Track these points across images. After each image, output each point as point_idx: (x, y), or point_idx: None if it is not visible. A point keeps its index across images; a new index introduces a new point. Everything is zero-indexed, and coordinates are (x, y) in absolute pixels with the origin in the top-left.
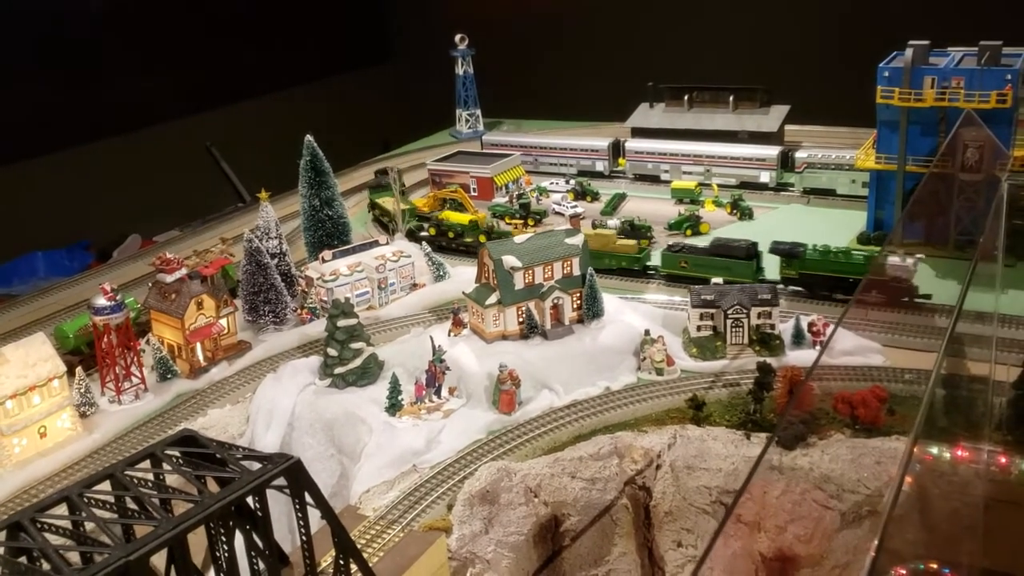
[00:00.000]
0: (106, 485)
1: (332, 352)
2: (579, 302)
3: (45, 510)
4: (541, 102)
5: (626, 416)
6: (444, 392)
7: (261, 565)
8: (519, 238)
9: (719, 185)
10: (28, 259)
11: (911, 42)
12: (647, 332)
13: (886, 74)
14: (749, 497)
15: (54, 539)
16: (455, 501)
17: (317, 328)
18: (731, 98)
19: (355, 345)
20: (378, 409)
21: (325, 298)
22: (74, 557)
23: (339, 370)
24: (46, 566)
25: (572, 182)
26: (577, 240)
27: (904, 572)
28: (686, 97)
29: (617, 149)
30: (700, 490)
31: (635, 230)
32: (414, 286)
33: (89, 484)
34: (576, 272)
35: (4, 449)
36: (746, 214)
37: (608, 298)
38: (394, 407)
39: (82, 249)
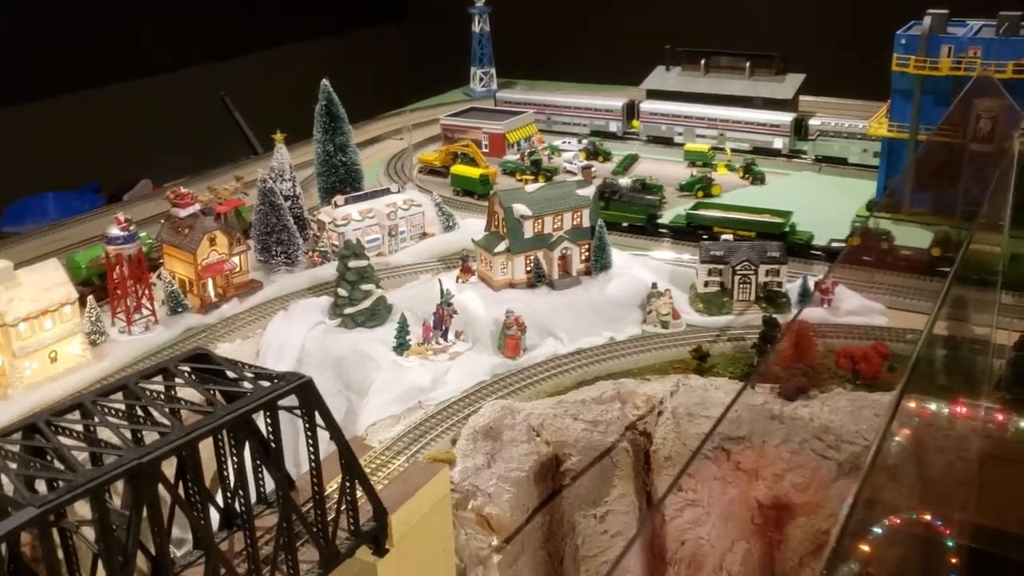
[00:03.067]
0: (120, 396)
1: (342, 292)
2: (587, 254)
3: (60, 414)
4: (555, 63)
5: (630, 365)
6: (451, 335)
7: (268, 486)
8: (530, 187)
9: (732, 149)
10: (39, 199)
11: (929, 11)
12: (654, 285)
13: (903, 41)
14: (749, 445)
15: (68, 443)
16: (459, 436)
17: (328, 271)
18: (747, 64)
19: (365, 286)
20: (386, 349)
21: (336, 242)
22: (85, 465)
23: (349, 310)
24: (59, 466)
25: (584, 141)
26: (588, 192)
27: (899, 521)
28: (702, 62)
29: (631, 110)
30: (700, 437)
31: (647, 189)
32: (424, 235)
33: (103, 393)
34: (586, 224)
35: (15, 371)
36: (758, 179)
37: (616, 252)
38: (402, 347)
39: (92, 192)
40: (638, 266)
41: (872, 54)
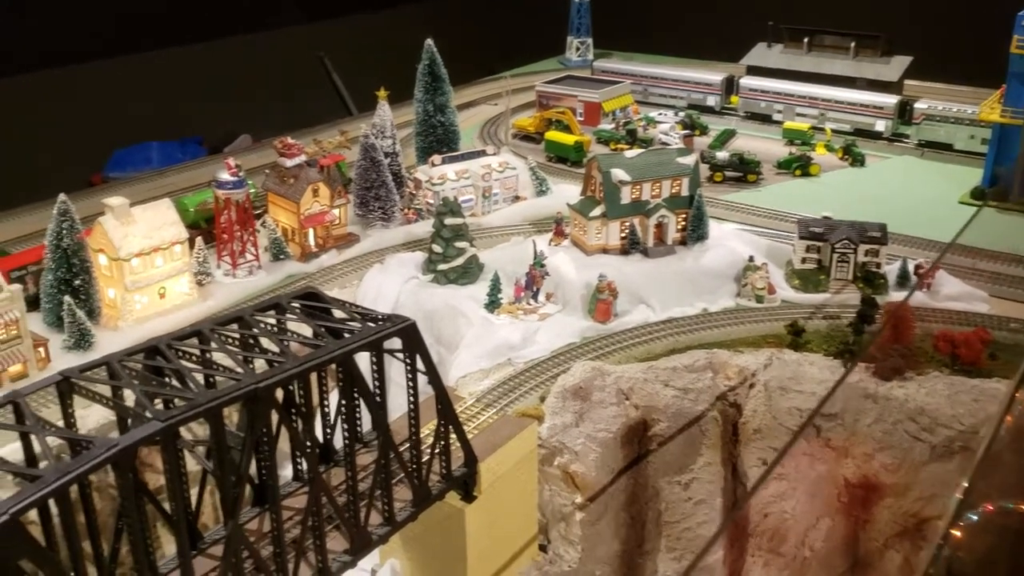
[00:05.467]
0: (235, 327)
1: (437, 249)
2: (684, 223)
3: (180, 339)
4: (652, 37)
5: (722, 336)
6: (541, 297)
7: (363, 426)
8: (630, 153)
9: (832, 130)
10: (143, 148)
11: None
12: (751, 259)
13: None
14: (840, 422)
15: (186, 366)
16: (548, 394)
17: (421, 228)
18: (852, 44)
19: (459, 244)
20: (477, 305)
21: (431, 200)
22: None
23: (442, 267)
24: (177, 385)
25: (681, 114)
26: (689, 160)
27: (992, 509)
28: (806, 40)
29: (731, 85)
30: (792, 411)
31: (744, 164)
32: (516, 198)
33: (220, 322)
34: (685, 192)
35: (126, 304)
36: (858, 160)
37: (714, 223)
38: (493, 304)
39: (195, 143)
40: (735, 238)
41: (985, 38)
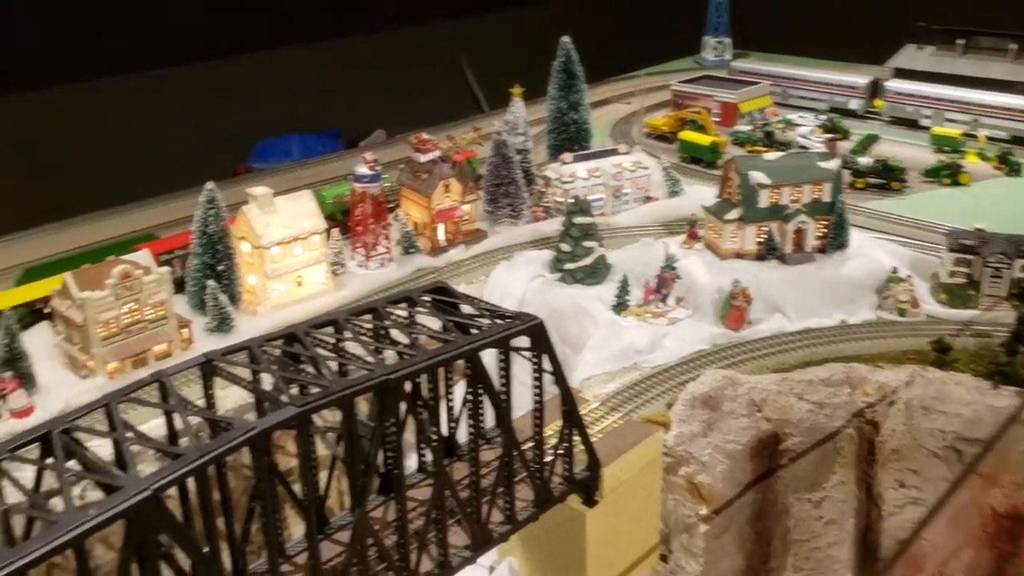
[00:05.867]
0: (368, 318)
1: (565, 248)
2: (824, 230)
3: (317, 327)
4: (792, 37)
5: (861, 350)
6: (671, 300)
7: (486, 422)
8: (770, 156)
9: (987, 137)
10: (284, 140)
11: None
12: (894, 270)
13: None
14: (990, 450)
15: (321, 353)
16: (675, 401)
17: (549, 226)
18: (1013, 47)
19: (588, 243)
20: (603, 306)
21: (560, 199)
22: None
23: (569, 266)
24: (312, 371)
25: (822, 117)
26: (832, 165)
27: None
28: (960, 42)
29: (875, 89)
30: (934, 433)
31: (888, 171)
32: (647, 198)
33: (354, 313)
34: (826, 198)
35: (265, 290)
36: (1014, 170)
37: (855, 231)
38: (621, 306)
39: (333, 137)
40: (877, 248)
41: None
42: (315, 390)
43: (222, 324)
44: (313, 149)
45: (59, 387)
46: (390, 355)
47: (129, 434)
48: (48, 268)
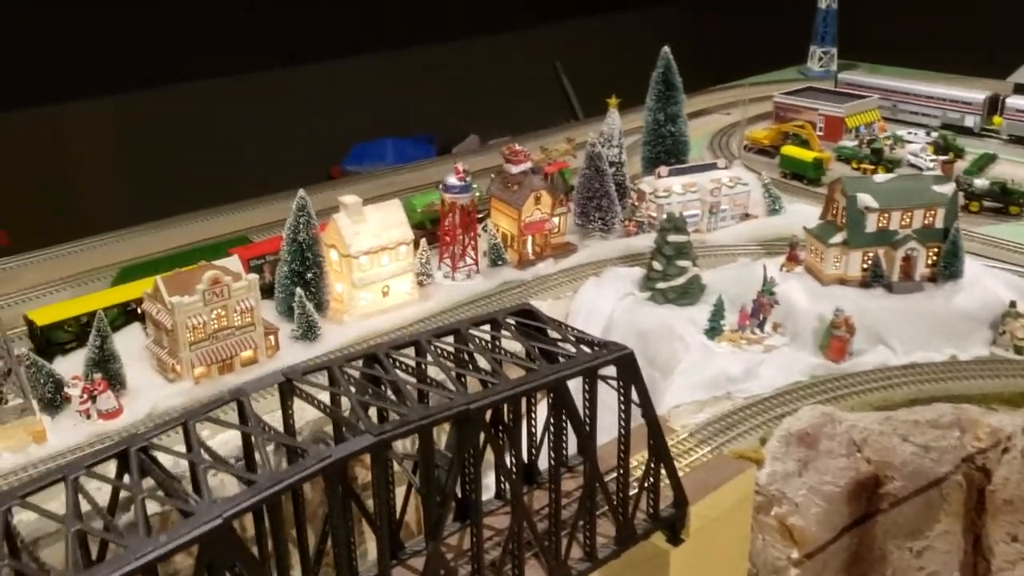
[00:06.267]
0: (451, 339)
1: (657, 266)
2: (936, 258)
3: (398, 348)
4: (904, 48)
5: (972, 389)
6: (768, 326)
7: (568, 448)
8: (879, 177)
9: None
10: (379, 144)
11: None
12: (1012, 304)
13: None
14: None
15: (401, 376)
16: (770, 436)
17: (641, 242)
18: None
19: (681, 263)
20: (696, 330)
21: (654, 213)
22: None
23: (661, 285)
24: (392, 396)
25: (934, 134)
26: (946, 189)
27: None
28: None
29: (994, 105)
30: None
31: (1006, 194)
32: (746, 216)
33: (437, 334)
34: (939, 224)
35: (352, 300)
36: None
37: (970, 259)
38: (714, 331)
39: (427, 142)
40: (994, 278)
41: None
42: (394, 416)
43: (308, 332)
44: (407, 153)
45: (147, 390)
46: (472, 381)
47: (205, 455)
48: (143, 268)
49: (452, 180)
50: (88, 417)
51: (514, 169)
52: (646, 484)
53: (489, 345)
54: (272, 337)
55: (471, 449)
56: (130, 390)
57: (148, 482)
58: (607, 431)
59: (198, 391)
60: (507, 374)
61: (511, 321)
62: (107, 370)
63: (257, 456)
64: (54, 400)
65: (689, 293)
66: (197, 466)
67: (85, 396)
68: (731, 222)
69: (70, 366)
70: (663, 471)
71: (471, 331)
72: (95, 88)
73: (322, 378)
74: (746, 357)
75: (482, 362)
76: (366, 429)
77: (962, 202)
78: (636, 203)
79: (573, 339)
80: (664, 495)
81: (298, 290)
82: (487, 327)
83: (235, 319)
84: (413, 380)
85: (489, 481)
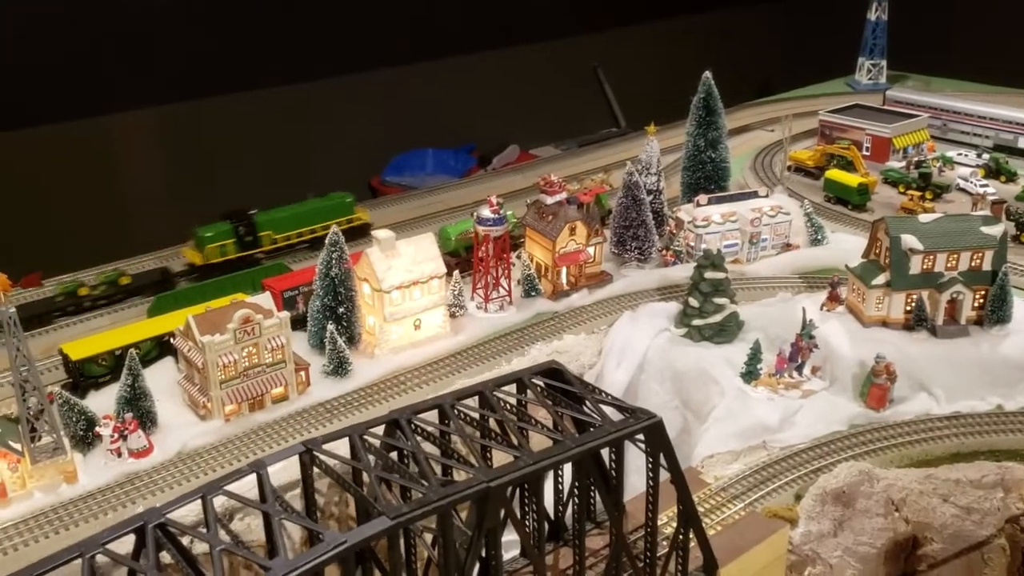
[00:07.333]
0: (475, 402)
1: (693, 303)
2: (982, 301)
3: (420, 412)
4: (958, 60)
5: (1018, 444)
6: (806, 370)
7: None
8: (925, 217)
9: None
10: (419, 154)
11: None
12: None
13: None
14: None
15: (423, 446)
16: (805, 492)
17: (678, 272)
18: None
19: (718, 300)
20: (732, 372)
21: (692, 243)
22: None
23: (697, 322)
24: (413, 467)
25: (986, 157)
26: (995, 231)
27: None
28: None
29: None
30: None
31: None
32: (787, 246)
33: (460, 396)
34: (986, 267)
35: (383, 334)
36: None
37: (1019, 302)
38: (751, 374)
39: (467, 152)
40: None
41: None
42: (415, 494)
43: (339, 368)
44: (447, 163)
45: (178, 428)
46: (497, 453)
47: (222, 532)
48: (177, 298)
49: (486, 212)
50: (119, 456)
51: (549, 200)
52: (675, 546)
53: (514, 410)
54: (303, 373)
55: (492, 526)
56: (161, 427)
57: (165, 556)
58: (635, 487)
59: (228, 429)
60: (531, 445)
61: (538, 382)
62: (138, 408)
63: (274, 535)
64: (86, 437)
65: (726, 331)
66: (213, 548)
67: (116, 435)
68: (771, 252)
69: (104, 399)
70: (692, 536)
71: (495, 393)
72: (137, 99)
73: (343, 446)
74: (783, 404)
75: (509, 431)
76: (383, 511)
77: (1013, 232)
78: (674, 231)
79: (601, 402)
80: (694, 555)
81: (330, 325)
82: (512, 387)
83: (266, 356)
84: (435, 450)
85: (515, 537)
